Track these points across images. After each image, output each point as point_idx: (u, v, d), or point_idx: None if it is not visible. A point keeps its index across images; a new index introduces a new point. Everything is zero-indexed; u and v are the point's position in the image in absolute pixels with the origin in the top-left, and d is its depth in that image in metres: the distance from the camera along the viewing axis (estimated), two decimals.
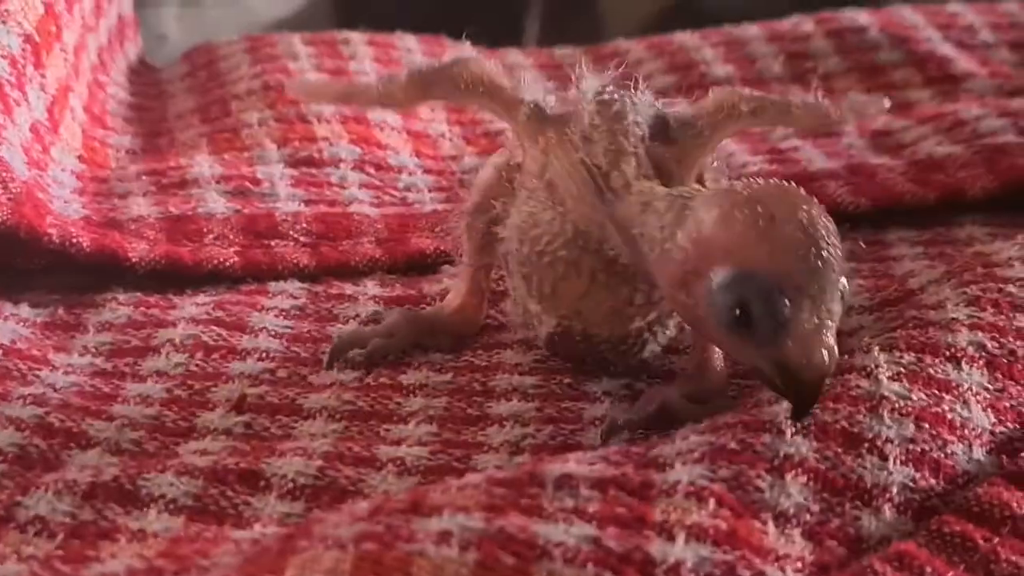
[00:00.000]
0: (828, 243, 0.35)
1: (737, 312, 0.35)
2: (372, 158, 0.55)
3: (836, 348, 0.35)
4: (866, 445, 0.36)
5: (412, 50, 0.64)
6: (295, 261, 0.49)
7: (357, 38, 0.64)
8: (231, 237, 0.50)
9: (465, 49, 0.65)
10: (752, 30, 0.67)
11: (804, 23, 0.67)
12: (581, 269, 0.40)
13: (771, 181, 0.37)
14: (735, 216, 0.35)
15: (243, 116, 0.59)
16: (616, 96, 0.40)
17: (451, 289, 0.45)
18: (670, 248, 0.37)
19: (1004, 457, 0.37)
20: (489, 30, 0.68)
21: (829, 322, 0.35)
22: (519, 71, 0.65)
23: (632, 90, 0.41)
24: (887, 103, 0.45)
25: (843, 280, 0.36)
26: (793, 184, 0.36)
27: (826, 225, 0.35)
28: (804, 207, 0.35)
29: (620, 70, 0.41)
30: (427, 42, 0.65)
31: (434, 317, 0.45)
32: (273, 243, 0.50)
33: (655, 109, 0.41)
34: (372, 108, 0.46)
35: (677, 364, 0.43)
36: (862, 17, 0.67)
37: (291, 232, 0.50)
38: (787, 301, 0.35)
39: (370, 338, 0.44)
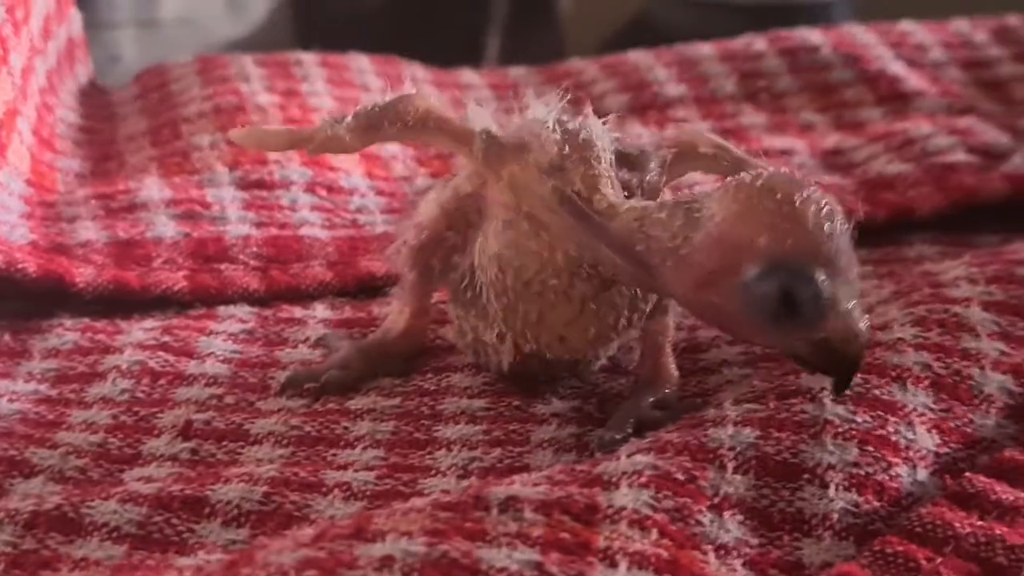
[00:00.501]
0: (839, 218, 0.36)
1: (779, 301, 0.35)
2: (323, 180, 0.55)
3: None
4: (806, 476, 0.36)
5: (365, 71, 0.64)
6: (244, 285, 0.49)
7: (309, 59, 0.64)
8: (180, 261, 0.50)
9: (416, 71, 0.66)
10: (705, 49, 0.67)
11: (756, 42, 0.67)
12: (572, 297, 0.40)
13: (767, 170, 0.37)
14: (757, 207, 0.36)
15: (194, 139, 0.59)
16: (579, 123, 0.40)
17: (392, 312, 0.45)
18: (688, 254, 0.37)
19: (948, 478, 0.37)
20: (449, 49, 0.68)
21: (857, 293, 0.36)
22: (467, 99, 0.65)
23: (585, 116, 0.41)
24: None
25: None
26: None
27: (830, 200, 0.37)
28: (810, 187, 0.37)
29: (568, 94, 0.41)
30: (380, 63, 0.65)
31: (381, 344, 0.44)
32: (222, 267, 0.50)
33: (611, 136, 0.41)
34: (321, 153, 0.45)
35: (618, 381, 0.43)
36: (814, 36, 0.67)
37: (241, 256, 0.50)
38: (826, 281, 0.36)
39: (324, 371, 0.43)
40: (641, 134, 0.60)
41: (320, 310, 0.49)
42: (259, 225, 0.52)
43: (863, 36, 0.68)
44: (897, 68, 0.65)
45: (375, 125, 0.41)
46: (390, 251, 0.43)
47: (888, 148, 0.57)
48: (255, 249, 0.51)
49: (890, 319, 0.43)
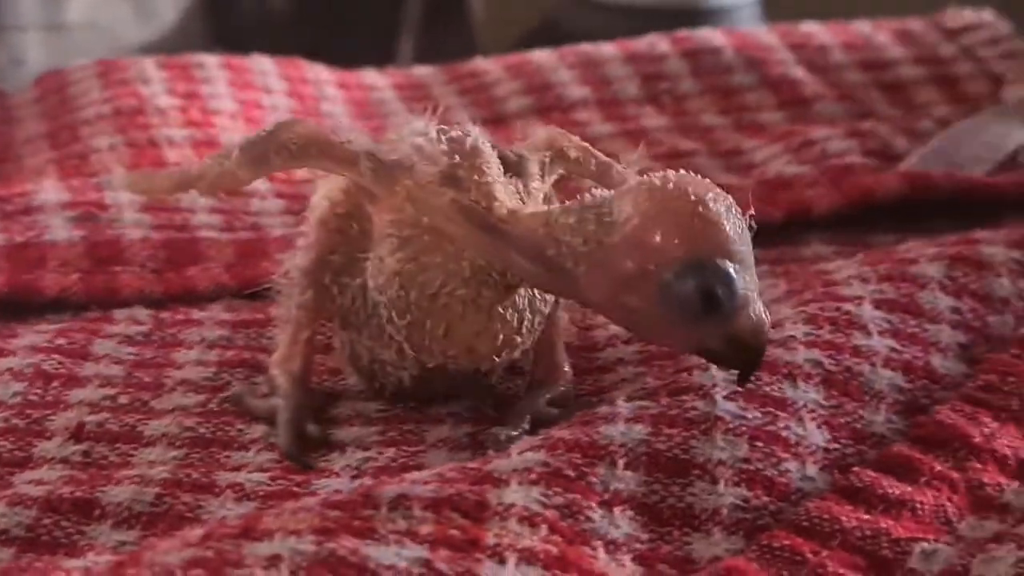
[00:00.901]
0: (742, 216, 0.37)
1: (699, 298, 0.36)
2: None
3: None
4: (696, 471, 0.37)
5: (268, 72, 0.64)
6: (140, 287, 0.49)
7: (211, 61, 0.64)
8: (75, 264, 0.50)
9: (319, 73, 0.66)
10: (608, 50, 0.67)
11: (660, 43, 0.67)
12: (480, 305, 0.40)
13: (670, 172, 0.38)
14: (671, 208, 0.37)
15: (93, 141, 0.59)
16: (464, 132, 0.40)
17: (283, 343, 0.43)
18: (603, 258, 0.37)
19: (836, 473, 0.38)
20: (361, 53, 0.68)
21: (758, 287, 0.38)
22: (373, 99, 0.65)
23: (461, 127, 0.41)
24: None
25: None
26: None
27: (731, 200, 0.38)
28: (714, 187, 0.38)
29: (437, 111, 0.41)
30: (283, 64, 0.65)
31: (303, 384, 0.43)
32: (118, 269, 0.50)
33: (491, 144, 0.41)
34: (214, 191, 0.45)
35: (514, 382, 0.44)
36: (717, 38, 0.68)
37: (137, 258, 0.50)
38: (739, 277, 0.36)
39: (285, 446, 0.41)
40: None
41: (217, 311, 0.48)
42: (156, 227, 0.52)
43: (766, 38, 0.68)
44: (799, 72, 0.66)
45: (262, 157, 0.41)
46: (278, 276, 0.43)
47: (787, 149, 0.58)
48: (152, 251, 0.50)
49: (783, 317, 0.43)
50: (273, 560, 0.32)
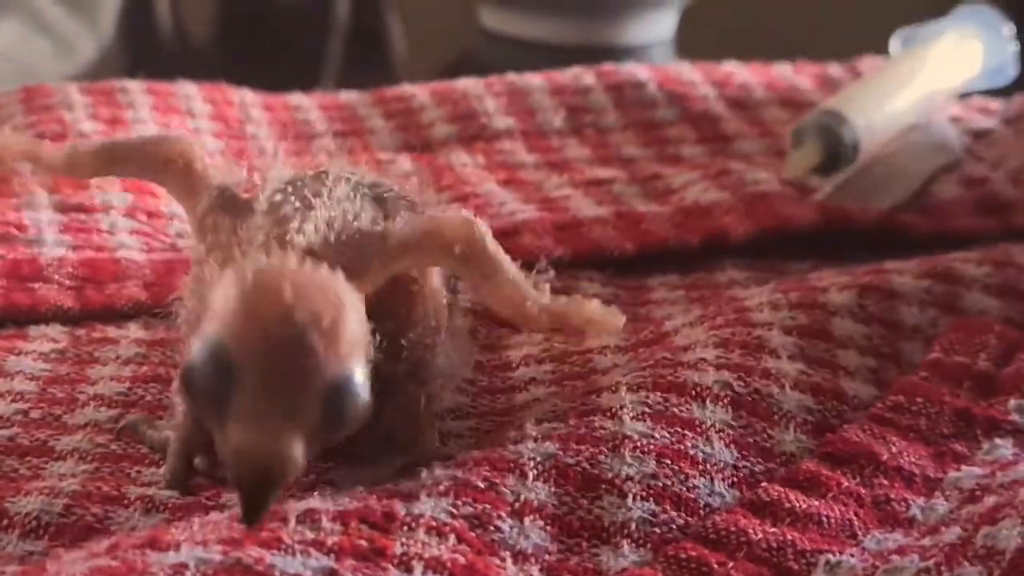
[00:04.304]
0: (304, 331, 0.32)
1: (191, 384, 0.32)
2: (144, 205, 0.55)
3: (292, 454, 0.31)
4: (605, 486, 0.37)
5: (192, 97, 0.64)
6: (58, 303, 0.49)
7: (135, 87, 0.64)
8: None
9: (245, 96, 0.66)
10: (535, 80, 0.67)
11: (585, 76, 0.68)
12: None
13: (276, 263, 0.34)
14: (229, 289, 0.33)
15: (15, 164, 0.59)
16: (293, 200, 0.37)
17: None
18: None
19: (745, 489, 0.38)
20: (284, 83, 0.68)
21: (283, 416, 0.32)
22: (299, 120, 0.65)
23: (327, 186, 0.38)
24: (619, 323, 0.44)
25: (340, 381, 0.32)
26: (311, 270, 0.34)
27: (324, 316, 0.32)
28: (294, 291, 0.32)
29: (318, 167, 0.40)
30: (208, 89, 0.65)
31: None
32: (36, 286, 0.49)
33: (351, 212, 0.37)
34: (57, 173, 0.44)
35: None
36: (641, 72, 0.68)
37: (56, 276, 0.50)
38: (237, 375, 0.32)
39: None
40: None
41: (134, 329, 0.48)
42: (76, 248, 0.52)
43: (689, 74, 0.69)
44: (720, 108, 0.67)
45: (119, 158, 0.41)
46: (177, 301, 0.41)
47: (705, 176, 0.59)
48: (70, 270, 0.50)
49: (693, 341, 0.44)
50: (179, 568, 0.32)
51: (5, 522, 0.37)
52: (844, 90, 0.65)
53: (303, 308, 0.32)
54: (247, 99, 0.65)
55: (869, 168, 0.59)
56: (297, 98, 0.66)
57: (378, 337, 0.35)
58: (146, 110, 0.63)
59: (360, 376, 0.32)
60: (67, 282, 0.50)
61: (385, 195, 0.39)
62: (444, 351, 0.40)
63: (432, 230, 0.38)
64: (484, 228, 0.39)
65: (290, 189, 0.38)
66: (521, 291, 0.40)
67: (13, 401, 0.43)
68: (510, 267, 0.39)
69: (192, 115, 0.63)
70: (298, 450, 0.32)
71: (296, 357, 0.32)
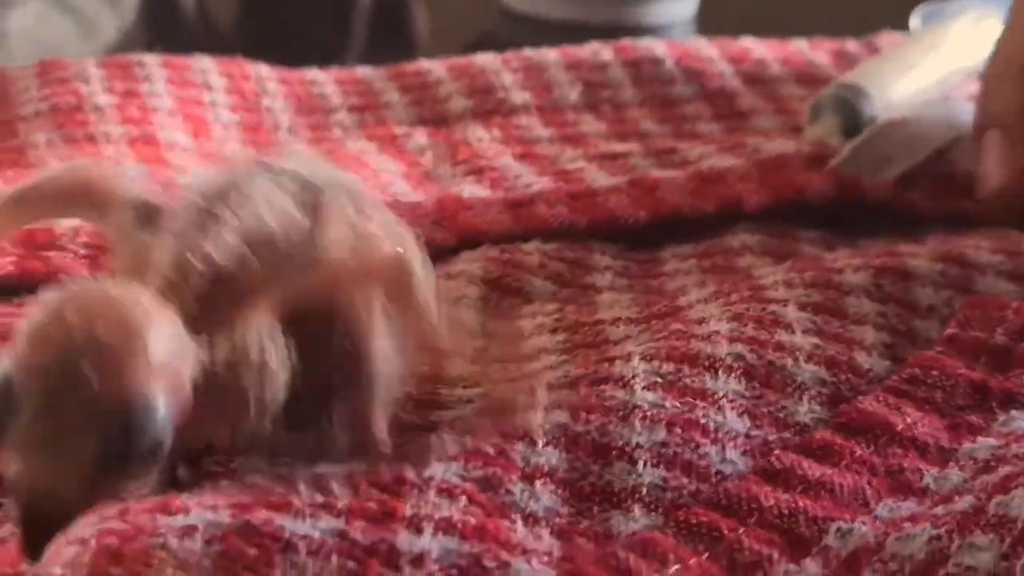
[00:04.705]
0: (79, 361, 0.30)
1: None
2: (158, 177, 0.55)
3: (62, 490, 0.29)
4: (615, 452, 0.37)
5: (208, 71, 0.64)
6: (73, 270, 0.49)
7: (151, 60, 0.64)
8: (8, 248, 0.50)
9: (261, 70, 0.66)
10: (551, 56, 0.67)
11: (603, 51, 0.68)
12: None
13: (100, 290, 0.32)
14: (31, 314, 0.31)
15: (30, 137, 0.59)
16: (204, 218, 0.35)
17: None
18: None
19: (757, 456, 0.38)
20: (308, 56, 0.68)
21: (54, 450, 0.29)
22: (314, 95, 0.65)
23: (250, 196, 0.35)
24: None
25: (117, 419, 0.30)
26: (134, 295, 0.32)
27: (109, 346, 0.30)
28: (81, 319, 0.30)
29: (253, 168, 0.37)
30: (224, 63, 0.65)
31: None
32: (51, 255, 0.49)
33: (273, 226, 0.35)
34: None
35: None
36: (659, 48, 0.68)
37: (70, 245, 0.50)
38: (16, 404, 0.30)
39: None
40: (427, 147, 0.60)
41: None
42: None
43: (706, 50, 0.69)
44: (736, 84, 0.66)
45: (27, 203, 0.38)
46: None
47: (721, 148, 0.58)
48: (85, 239, 0.50)
49: (707, 315, 0.44)
50: (188, 530, 0.32)
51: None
52: (862, 65, 0.65)
53: (84, 337, 0.30)
54: (263, 73, 0.65)
55: (882, 134, 0.59)
56: (313, 73, 0.67)
57: (302, 341, 0.34)
58: (162, 83, 0.63)
59: (154, 409, 0.30)
60: (81, 251, 0.50)
61: (318, 193, 0.36)
62: (384, 358, 0.37)
63: (360, 268, 0.36)
64: (416, 269, 0.36)
65: (207, 206, 0.35)
66: (432, 332, 0.38)
67: None
68: (433, 312, 0.37)
69: (208, 88, 0.63)
70: (72, 485, 0.29)
71: (70, 389, 0.29)
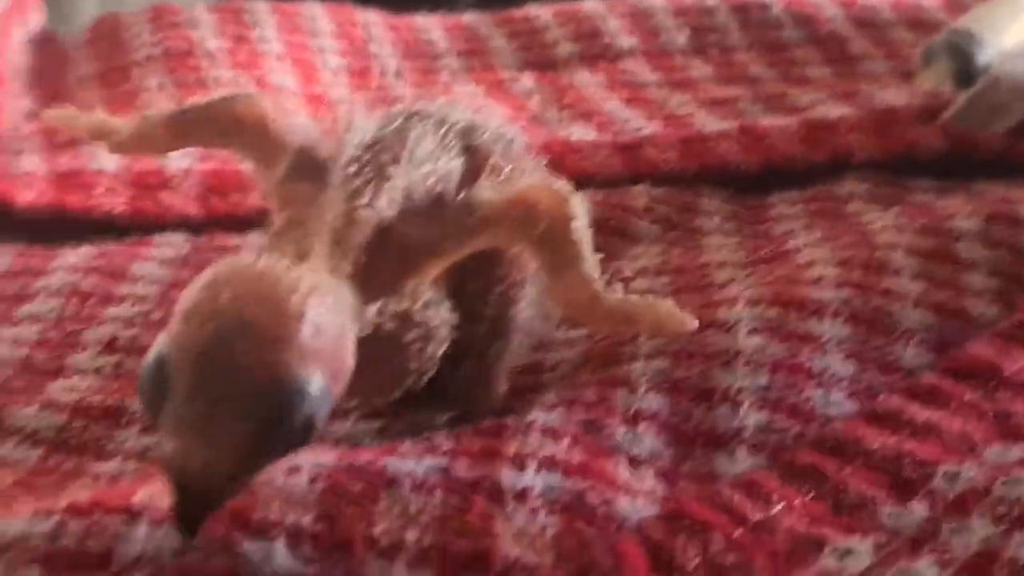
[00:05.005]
0: (234, 341, 0.29)
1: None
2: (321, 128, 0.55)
3: (213, 469, 0.28)
4: (718, 396, 0.37)
5: (317, 16, 0.65)
6: (183, 210, 0.50)
7: (261, 7, 0.64)
8: (120, 189, 0.50)
9: (369, 16, 0.66)
10: (658, 1, 0.67)
11: None
12: None
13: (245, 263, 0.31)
14: (187, 291, 0.30)
15: (143, 81, 0.60)
16: (368, 170, 0.34)
17: None
18: None
19: (863, 399, 0.38)
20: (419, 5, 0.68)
21: (206, 429, 0.29)
22: (423, 42, 0.65)
23: (407, 147, 0.35)
24: (692, 325, 0.36)
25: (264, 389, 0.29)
26: (269, 272, 0.30)
27: (265, 325, 0.29)
28: (237, 298, 0.29)
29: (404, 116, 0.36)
30: (333, 9, 0.66)
31: None
32: (162, 195, 0.50)
33: (433, 176, 0.35)
34: (128, 150, 0.39)
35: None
36: None
37: (181, 186, 0.51)
38: (170, 381, 0.29)
39: None
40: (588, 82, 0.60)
41: (255, 238, 0.49)
42: (201, 159, 0.53)
43: None
44: (846, 29, 0.66)
45: (188, 127, 0.37)
46: None
47: (833, 95, 0.58)
48: (196, 180, 0.51)
49: (814, 259, 0.44)
50: (293, 469, 0.32)
51: (125, 419, 0.37)
52: (975, 9, 0.64)
53: (237, 317, 0.29)
54: (371, 19, 0.66)
55: (996, 85, 0.57)
56: (420, 19, 0.67)
57: (461, 301, 0.34)
58: (271, 29, 0.63)
59: (307, 389, 0.29)
60: (192, 191, 0.51)
61: (478, 143, 0.36)
62: (527, 305, 0.37)
63: (519, 200, 0.34)
64: (578, 207, 0.34)
65: (367, 158, 0.34)
66: (591, 288, 0.34)
67: (135, 304, 0.44)
68: (589, 259, 0.34)
69: (317, 34, 0.64)
70: (223, 465, 0.28)
71: (222, 369, 0.29)
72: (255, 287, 0.29)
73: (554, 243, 0.34)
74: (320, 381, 0.29)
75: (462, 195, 0.34)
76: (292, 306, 0.29)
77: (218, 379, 0.28)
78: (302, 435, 0.29)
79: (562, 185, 0.35)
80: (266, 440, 0.29)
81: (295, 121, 0.36)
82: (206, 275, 0.30)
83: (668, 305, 0.35)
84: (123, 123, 0.38)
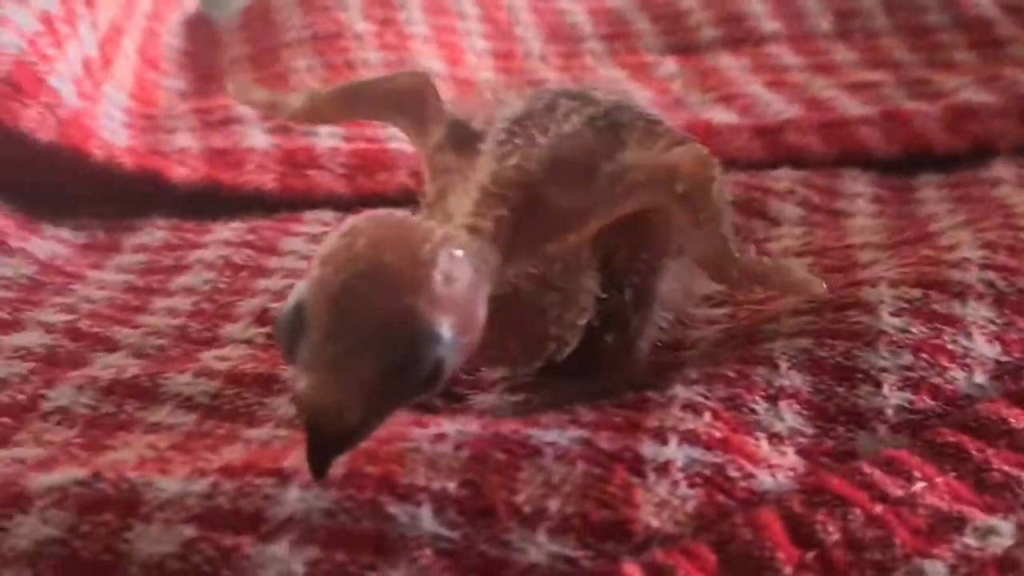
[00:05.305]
0: (367, 284, 0.30)
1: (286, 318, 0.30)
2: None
3: (344, 409, 0.29)
4: (860, 376, 0.37)
5: (463, 0, 0.66)
6: (331, 189, 0.51)
7: None
8: (270, 167, 0.52)
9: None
10: None
11: None
12: None
13: (393, 216, 0.32)
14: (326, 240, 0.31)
15: (292, 63, 0.61)
16: (518, 140, 0.35)
17: None
18: None
19: (1007, 379, 0.38)
20: None
21: (337, 370, 0.29)
22: (568, 22, 0.66)
23: (556, 120, 0.36)
24: (822, 288, 0.36)
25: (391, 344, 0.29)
26: (410, 223, 0.31)
27: (397, 272, 0.30)
28: (372, 245, 0.30)
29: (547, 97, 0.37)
30: None
31: None
32: (311, 172, 0.51)
33: (581, 149, 0.35)
34: (299, 120, 0.41)
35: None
36: None
37: (329, 164, 0.52)
38: (307, 324, 0.30)
39: None
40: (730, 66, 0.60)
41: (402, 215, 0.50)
42: (348, 139, 0.54)
43: None
44: (993, 12, 0.65)
45: (353, 101, 0.39)
46: None
47: (977, 80, 0.57)
48: (343, 159, 0.52)
49: (959, 241, 0.43)
50: (439, 437, 0.33)
51: (276, 387, 0.38)
52: None
53: (372, 262, 0.30)
54: (516, 2, 0.66)
55: None
56: (565, 2, 0.67)
57: (607, 270, 0.35)
58: (417, 12, 0.64)
59: (438, 333, 0.30)
60: (340, 170, 0.52)
61: (623, 121, 0.37)
62: (670, 277, 0.38)
63: (662, 162, 0.35)
64: (717, 169, 0.35)
65: (517, 129, 0.35)
66: (728, 249, 0.35)
67: (285, 277, 0.45)
68: (726, 220, 0.35)
69: (462, 16, 0.64)
70: (353, 405, 0.29)
71: (354, 311, 0.29)
72: (390, 235, 0.30)
73: (694, 202, 0.35)
74: (449, 328, 0.30)
75: (609, 165, 0.35)
76: (425, 253, 0.30)
77: (352, 321, 0.29)
78: (430, 379, 0.30)
79: (703, 148, 0.35)
80: (396, 381, 0.29)
81: (453, 96, 0.39)
82: (345, 225, 0.31)
83: (799, 267, 0.36)
84: (295, 97, 0.40)
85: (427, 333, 0.30)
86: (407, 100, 0.38)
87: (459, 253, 0.31)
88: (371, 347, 0.29)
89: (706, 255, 0.35)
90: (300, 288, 0.30)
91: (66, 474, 0.31)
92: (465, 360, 0.32)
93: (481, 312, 0.32)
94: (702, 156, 0.35)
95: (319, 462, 0.30)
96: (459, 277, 0.31)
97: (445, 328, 0.30)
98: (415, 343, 0.30)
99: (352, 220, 0.31)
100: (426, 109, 0.37)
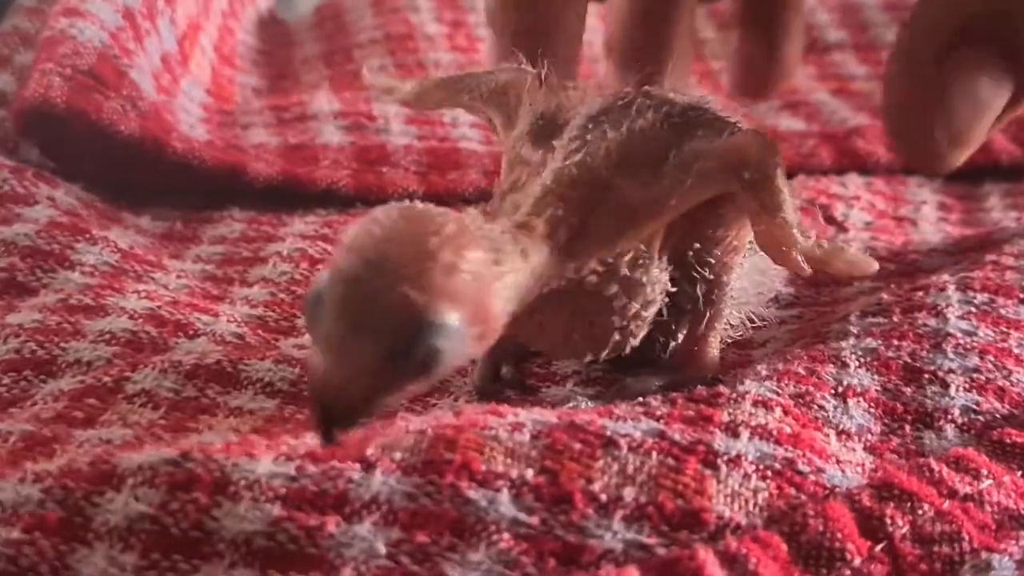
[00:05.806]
0: (375, 272, 0.31)
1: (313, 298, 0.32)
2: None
3: (349, 386, 0.31)
4: (927, 376, 0.37)
5: None
6: (404, 186, 0.51)
7: None
8: (344, 163, 0.53)
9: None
10: None
11: None
12: None
13: (420, 207, 0.33)
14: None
15: (365, 62, 0.62)
16: (590, 137, 0.37)
17: None
18: None
19: None
20: None
21: (345, 350, 0.31)
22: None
23: (631, 116, 0.37)
24: (873, 268, 0.37)
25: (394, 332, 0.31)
26: (440, 209, 0.33)
27: (406, 261, 0.31)
28: (387, 234, 0.32)
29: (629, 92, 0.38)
30: None
31: None
32: (384, 169, 0.52)
33: (651, 144, 0.36)
34: (409, 104, 0.43)
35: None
36: None
37: (402, 162, 0.53)
38: (324, 306, 0.31)
39: None
40: None
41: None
42: (420, 138, 0.54)
43: None
44: None
45: (456, 90, 0.41)
46: None
47: None
48: (415, 157, 0.53)
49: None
50: (517, 425, 0.34)
51: None
52: None
53: (382, 250, 0.31)
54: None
55: None
56: None
57: (679, 264, 0.36)
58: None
59: (433, 321, 0.31)
60: (412, 168, 0.52)
61: (697, 119, 0.37)
62: (741, 274, 0.39)
63: (731, 148, 0.36)
64: (779, 156, 0.36)
65: (591, 125, 0.37)
66: (791, 235, 0.36)
67: None
68: (789, 206, 0.36)
69: None
70: (358, 383, 0.31)
71: (362, 296, 0.31)
72: (403, 227, 0.32)
73: (760, 188, 0.36)
74: (447, 317, 0.31)
75: (677, 155, 0.36)
76: (430, 246, 0.32)
77: (357, 308, 0.31)
78: (425, 365, 0.31)
79: (765, 135, 0.37)
80: (394, 366, 0.31)
81: (546, 89, 0.39)
82: (370, 215, 0.33)
83: (854, 250, 0.37)
84: (409, 82, 0.42)
85: (419, 322, 0.31)
86: (505, 93, 0.39)
87: (472, 247, 0.32)
88: (371, 333, 0.31)
89: (769, 238, 0.36)
90: (323, 273, 0.32)
91: (156, 453, 0.32)
92: (483, 348, 0.33)
93: (496, 303, 0.33)
94: (766, 142, 0.36)
95: (326, 433, 0.31)
96: (467, 270, 0.32)
97: (442, 317, 0.31)
98: (408, 331, 0.31)
99: (377, 210, 0.33)
100: (520, 102, 0.39)
